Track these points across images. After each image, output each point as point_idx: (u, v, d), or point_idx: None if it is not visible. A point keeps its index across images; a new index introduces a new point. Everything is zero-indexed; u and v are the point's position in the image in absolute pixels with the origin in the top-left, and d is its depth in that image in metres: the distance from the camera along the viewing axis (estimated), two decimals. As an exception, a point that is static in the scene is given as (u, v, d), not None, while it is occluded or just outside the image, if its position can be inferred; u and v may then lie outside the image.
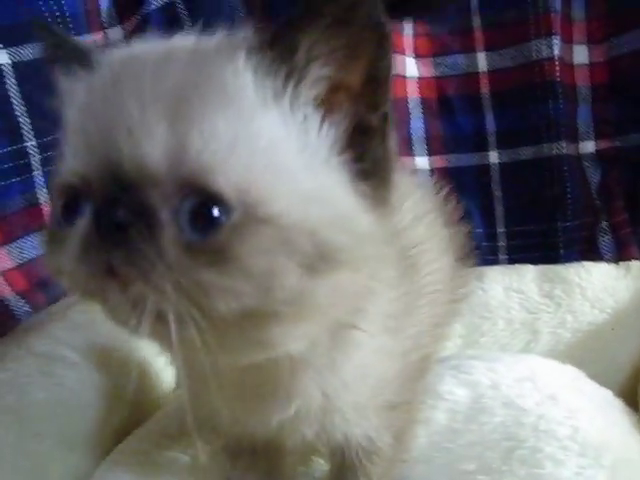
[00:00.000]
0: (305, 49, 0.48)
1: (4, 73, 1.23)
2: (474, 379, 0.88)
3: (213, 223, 0.44)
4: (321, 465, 0.81)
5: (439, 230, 0.86)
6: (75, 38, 0.69)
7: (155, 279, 0.43)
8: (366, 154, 0.50)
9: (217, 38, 0.57)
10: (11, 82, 1.25)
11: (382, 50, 0.48)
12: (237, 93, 0.48)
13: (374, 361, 0.63)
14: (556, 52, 1.35)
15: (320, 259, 0.46)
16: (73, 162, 0.49)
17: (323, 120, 0.50)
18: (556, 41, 1.35)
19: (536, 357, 1.04)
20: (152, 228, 0.44)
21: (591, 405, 0.84)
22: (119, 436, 0.98)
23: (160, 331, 0.45)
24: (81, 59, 0.56)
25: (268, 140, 0.47)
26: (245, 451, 0.77)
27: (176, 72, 0.48)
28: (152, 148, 0.44)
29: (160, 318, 0.44)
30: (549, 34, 1.35)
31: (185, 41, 0.57)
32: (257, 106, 0.48)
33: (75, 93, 0.53)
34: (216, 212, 0.44)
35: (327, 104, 0.50)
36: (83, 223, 0.46)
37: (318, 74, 0.50)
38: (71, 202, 0.49)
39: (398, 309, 0.63)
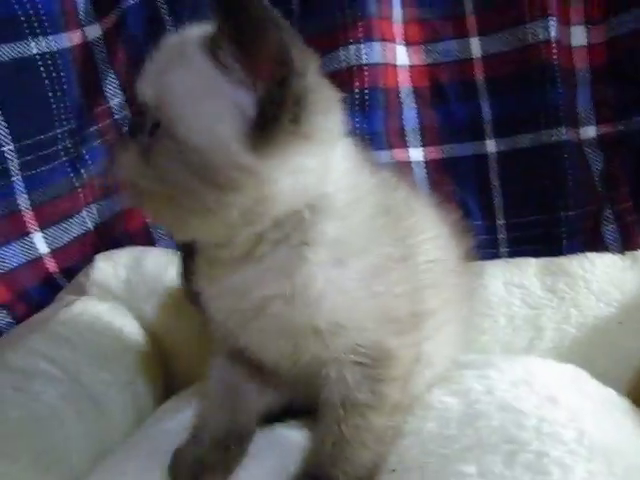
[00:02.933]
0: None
1: (-22, 75, 1.19)
2: (465, 387, 0.82)
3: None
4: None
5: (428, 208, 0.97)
6: None
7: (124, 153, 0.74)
8: (265, 112, 0.67)
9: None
10: (-15, 84, 1.21)
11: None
12: (186, 63, 0.70)
13: (345, 285, 0.73)
14: (552, 34, 1.29)
15: (201, 177, 0.67)
16: None
17: (241, 84, 0.68)
18: (552, 23, 1.29)
19: (532, 358, 0.99)
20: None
21: (594, 406, 0.78)
22: (99, 455, 0.93)
23: None
24: None
25: (195, 89, 0.69)
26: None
27: (163, 56, 0.73)
28: (146, 92, 0.72)
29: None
30: (545, 15, 1.29)
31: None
32: (201, 69, 0.69)
33: None
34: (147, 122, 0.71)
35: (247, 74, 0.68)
36: None
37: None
38: None
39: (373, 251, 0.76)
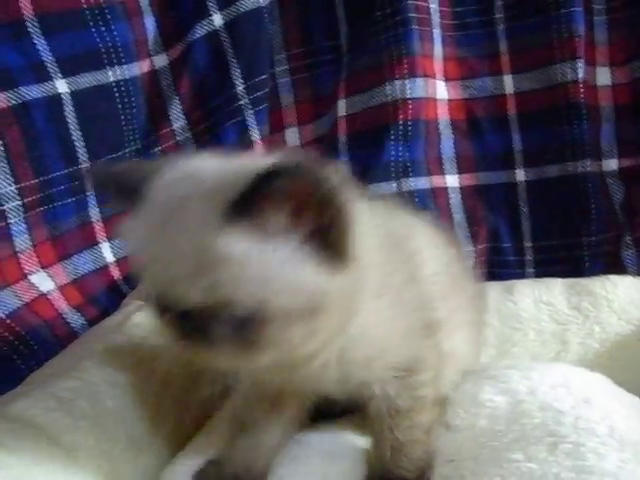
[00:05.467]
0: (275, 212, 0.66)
1: (63, 101, 1.32)
2: (511, 387, 0.94)
3: (243, 325, 0.68)
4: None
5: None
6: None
7: (220, 356, 0.72)
8: (323, 243, 0.69)
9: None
10: (69, 109, 1.33)
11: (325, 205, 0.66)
12: (234, 250, 0.66)
13: (373, 322, 0.81)
14: (580, 75, 1.43)
15: (311, 316, 0.69)
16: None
17: (291, 235, 0.68)
18: (580, 64, 1.42)
19: (567, 365, 1.10)
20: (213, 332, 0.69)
21: (623, 407, 0.89)
22: (183, 439, 1.06)
23: None
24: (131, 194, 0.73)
25: (262, 267, 0.67)
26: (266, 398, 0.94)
27: (187, 235, 0.67)
28: (192, 294, 0.66)
29: None
30: (573, 57, 1.42)
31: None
32: (251, 251, 0.66)
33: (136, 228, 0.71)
34: (243, 318, 0.67)
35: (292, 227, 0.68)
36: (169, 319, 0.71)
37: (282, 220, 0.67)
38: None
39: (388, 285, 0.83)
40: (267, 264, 0.66)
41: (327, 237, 0.68)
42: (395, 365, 0.84)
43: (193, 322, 0.68)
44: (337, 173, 0.67)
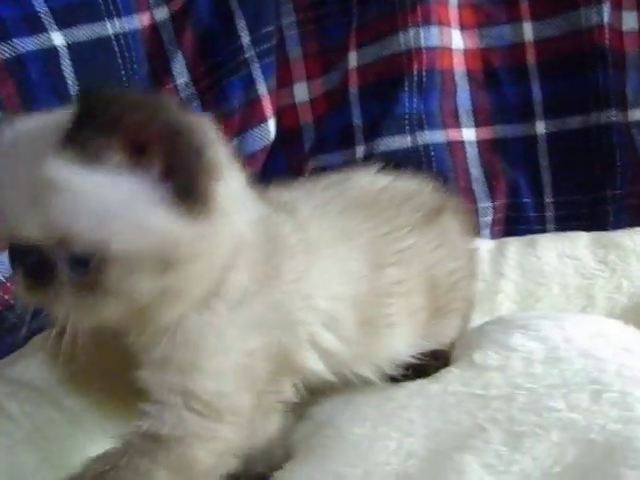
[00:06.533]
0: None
1: (59, 54, 1.25)
2: (545, 334, 0.89)
3: (83, 266, 0.64)
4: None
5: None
6: None
7: (57, 302, 0.66)
8: (177, 185, 0.65)
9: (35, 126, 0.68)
10: (66, 63, 1.27)
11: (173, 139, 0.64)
12: (67, 179, 0.62)
13: (211, 330, 0.73)
14: (605, 19, 1.35)
15: (161, 267, 0.65)
16: None
17: (138, 171, 0.64)
18: (606, 8, 1.34)
19: (600, 316, 1.05)
20: (52, 273, 0.65)
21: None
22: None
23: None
24: None
25: (100, 202, 0.63)
26: None
27: (21, 167, 0.64)
28: (29, 228, 0.64)
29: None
30: (598, 1, 1.34)
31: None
32: (85, 182, 0.63)
33: None
34: (82, 258, 0.64)
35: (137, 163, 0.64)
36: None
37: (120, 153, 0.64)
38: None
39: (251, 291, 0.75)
40: (107, 198, 0.63)
41: (179, 178, 0.64)
42: (200, 396, 0.71)
43: (33, 262, 0.65)
44: (205, 124, 0.69)
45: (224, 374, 0.73)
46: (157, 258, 0.64)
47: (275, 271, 0.77)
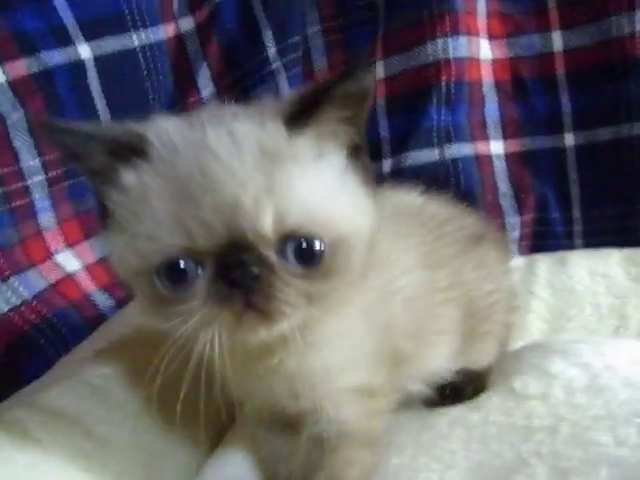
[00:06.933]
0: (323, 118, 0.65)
1: (86, 67, 1.24)
2: (585, 361, 0.87)
3: (316, 255, 0.63)
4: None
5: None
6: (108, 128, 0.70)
7: (284, 301, 0.62)
8: (360, 167, 0.68)
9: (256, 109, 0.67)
10: (93, 76, 1.25)
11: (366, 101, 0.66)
12: (300, 162, 0.63)
13: (344, 330, 0.72)
14: (638, 27, 1.32)
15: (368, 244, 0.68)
16: (171, 239, 0.61)
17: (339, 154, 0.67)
18: (638, 16, 1.31)
19: (637, 341, 1.02)
20: (269, 271, 0.61)
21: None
22: (222, 431, 0.99)
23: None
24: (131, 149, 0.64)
25: (325, 189, 0.64)
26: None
27: (251, 151, 0.62)
28: (265, 221, 0.61)
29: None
30: (631, 8, 1.31)
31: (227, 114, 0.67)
32: (313, 167, 0.64)
33: (147, 181, 0.63)
34: (317, 247, 0.63)
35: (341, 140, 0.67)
36: (204, 281, 0.62)
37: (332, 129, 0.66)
38: (175, 273, 0.62)
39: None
40: (332, 181, 0.65)
41: (365, 160, 0.68)
42: (354, 387, 0.75)
43: (250, 268, 0.60)
44: None
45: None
46: (369, 235, 0.67)
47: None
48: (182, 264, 0.62)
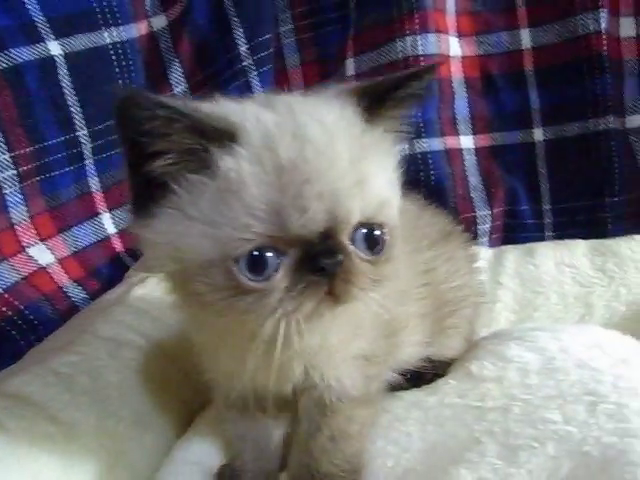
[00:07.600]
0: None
1: (56, 64, 1.25)
2: (541, 345, 0.88)
3: (382, 242, 0.67)
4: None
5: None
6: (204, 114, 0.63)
7: (358, 285, 0.64)
8: None
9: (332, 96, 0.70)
10: (63, 72, 1.27)
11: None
12: (377, 153, 0.67)
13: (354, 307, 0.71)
14: (603, 25, 1.35)
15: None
16: (263, 227, 0.61)
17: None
18: (603, 14, 1.34)
19: (597, 327, 1.04)
20: (348, 257, 0.64)
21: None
22: (189, 416, 1.00)
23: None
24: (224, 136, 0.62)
25: (389, 180, 0.69)
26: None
27: (342, 141, 0.64)
28: (356, 210, 0.63)
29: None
30: (596, 7, 1.34)
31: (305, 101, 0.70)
32: (385, 159, 0.69)
33: (244, 167, 0.61)
34: (384, 235, 0.67)
35: None
36: (285, 269, 0.62)
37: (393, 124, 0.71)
38: (258, 263, 0.62)
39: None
40: (391, 170, 0.69)
41: None
42: (356, 355, 0.79)
43: (339, 255, 0.62)
44: None
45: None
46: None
47: None
48: (268, 253, 0.62)
